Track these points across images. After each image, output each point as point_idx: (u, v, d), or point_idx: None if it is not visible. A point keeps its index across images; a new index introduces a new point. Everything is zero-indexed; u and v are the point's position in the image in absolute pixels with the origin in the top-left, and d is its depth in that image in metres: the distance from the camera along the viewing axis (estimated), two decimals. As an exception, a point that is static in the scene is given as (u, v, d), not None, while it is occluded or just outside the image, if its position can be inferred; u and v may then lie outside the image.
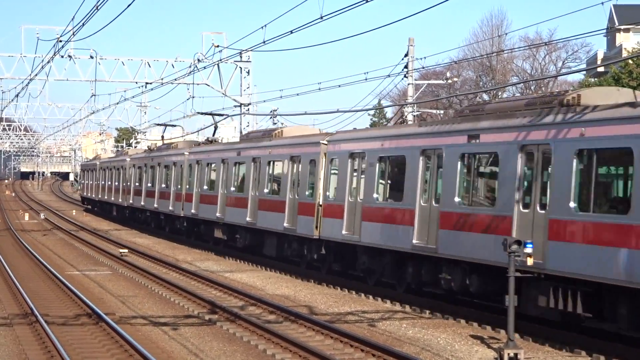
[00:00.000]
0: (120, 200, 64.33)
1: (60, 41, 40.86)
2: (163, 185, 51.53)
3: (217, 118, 49.35)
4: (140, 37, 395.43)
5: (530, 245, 19.68)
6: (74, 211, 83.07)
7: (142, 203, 56.39)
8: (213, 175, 43.12)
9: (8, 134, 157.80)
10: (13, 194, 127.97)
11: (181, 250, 44.66)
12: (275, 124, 55.28)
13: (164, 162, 52.12)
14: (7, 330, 21.63)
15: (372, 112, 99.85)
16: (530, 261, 19.78)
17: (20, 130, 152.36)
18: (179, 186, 47.61)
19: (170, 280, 31.19)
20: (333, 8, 24.01)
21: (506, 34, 75.41)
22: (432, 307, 25.09)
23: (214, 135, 49.35)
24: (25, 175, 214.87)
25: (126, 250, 41.64)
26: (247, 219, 37.03)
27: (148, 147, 62.52)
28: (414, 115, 52.05)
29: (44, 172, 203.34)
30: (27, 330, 21.60)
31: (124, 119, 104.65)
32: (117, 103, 75.88)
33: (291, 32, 27.28)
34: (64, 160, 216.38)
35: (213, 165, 43.30)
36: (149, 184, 54.92)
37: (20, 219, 71.67)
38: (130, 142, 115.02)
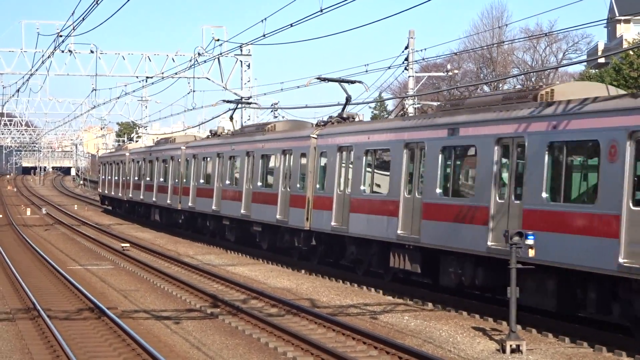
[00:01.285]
0: (169, 201, 49.90)
1: (61, 36, 40.79)
2: (259, 184, 36.94)
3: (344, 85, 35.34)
4: (140, 32, 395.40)
5: (532, 237, 19.44)
6: (75, 206, 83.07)
7: (215, 207, 42.02)
8: (382, 169, 28.30)
9: (9, 129, 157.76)
10: (15, 189, 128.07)
11: (183, 244, 44.67)
12: (276, 117, 55.26)
13: (257, 150, 37.53)
14: (10, 325, 21.65)
15: (372, 104, 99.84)
16: (531, 253, 19.64)
17: (22, 125, 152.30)
18: (299, 185, 33.07)
19: (172, 274, 31.21)
20: (333, 1, 23.93)
21: (506, 25, 75.46)
22: (434, 300, 25.08)
23: (343, 109, 34.20)
24: (26, 171, 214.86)
25: (128, 245, 41.68)
26: (489, 243, 21.95)
27: (211, 131, 47.86)
28: (415, 108, 52.06)
29: (45, 167, 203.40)
30: (29, 325, 21.62)
31: (125, 113, 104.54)
32: (118, 97, 75.86)
33: (291, 25, 27.28)
34: (66, 155, 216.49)
35: (379, 153, 28.54)
36: (227, 182, 40.91)
37: (22, 214, 71.72)
38: (132, 136, 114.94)
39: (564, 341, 19.83)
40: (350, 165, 29.38)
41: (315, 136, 32.15)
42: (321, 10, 24.14)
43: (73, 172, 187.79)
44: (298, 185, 33.06)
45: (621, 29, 76.20)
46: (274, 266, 34.77)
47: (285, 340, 19.68)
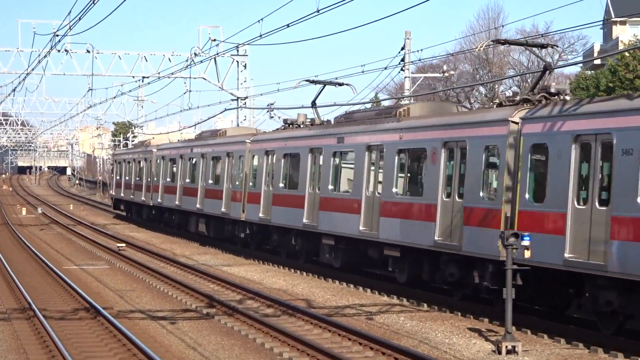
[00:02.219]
0: (224, 209, 39.77)
1: (57, 35, 40.74)
2: (394, 190, 26.61)
3: None
4: (137, 31, 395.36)
5: (528, 238, 19.49)
6: (71, 206, 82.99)
7: (307, 221, 31.75)
8: None
9: (5, 129, 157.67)
10: (10, 189, 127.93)
11: (179, 244, 44.64)
12: (272, 117, 55.24)
13: (389, 144, 27.00)
14: (5, 325, 21.65)
15: (368, 105, 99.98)
16: (527, 254, 19.67)
17: (17, 124, 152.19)
18: (484, 194, 22.90)
19: (168, 274, 31.20)
20: (329, 1, 23.89)
21: (502, 26, 75.29)
22: (430, 300, 25.09)
23: (537, 83, 23.12)
24: (22, 170, 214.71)
25: (124, 245, 41.66)
26: None
27: (285, 121, 37.34)
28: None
29: (41, 166, 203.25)
30: (25, 325, 21.61)
31: (120, 113, 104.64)
32: (114, 97, 75.99)
33: (287, 25, 27.38)
34: (61, 155, 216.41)
35: None
36: (330, 186, 30.74)
37: (17, 213, 71.66)
38: (128, 136, 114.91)
39: (560, 342, 19.86)
40: (605, 165, 19.46)
41: (517, 121, 21.68)
42: (318, 11, 24.22)
43: (69, 171, 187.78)
44: (482, 194, 22.72)
45: (617, 31, 76.32)
46: (270, 266, 34.76)
47: (281, 341, 19.69)
